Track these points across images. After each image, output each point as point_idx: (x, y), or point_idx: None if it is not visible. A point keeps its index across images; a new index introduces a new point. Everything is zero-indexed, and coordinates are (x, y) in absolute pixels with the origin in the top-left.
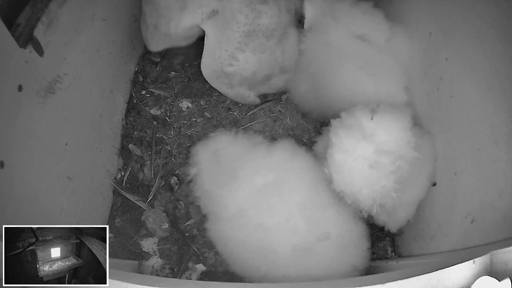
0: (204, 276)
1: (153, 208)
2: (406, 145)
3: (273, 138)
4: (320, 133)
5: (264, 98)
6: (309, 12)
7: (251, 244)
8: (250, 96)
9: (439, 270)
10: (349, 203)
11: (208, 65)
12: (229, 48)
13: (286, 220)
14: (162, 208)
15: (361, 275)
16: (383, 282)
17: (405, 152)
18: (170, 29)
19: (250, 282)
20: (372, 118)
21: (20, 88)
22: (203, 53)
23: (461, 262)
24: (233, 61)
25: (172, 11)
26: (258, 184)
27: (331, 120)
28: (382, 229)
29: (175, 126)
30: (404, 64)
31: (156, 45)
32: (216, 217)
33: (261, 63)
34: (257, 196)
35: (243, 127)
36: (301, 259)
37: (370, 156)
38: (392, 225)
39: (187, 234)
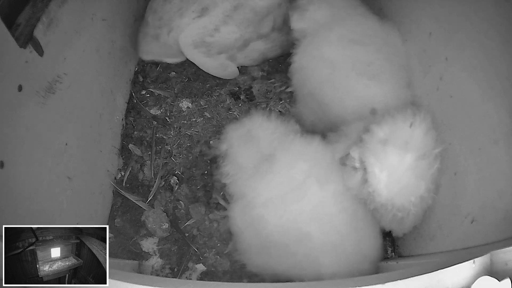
0: (204, 276)
1: (153, 208)
2: (433, 146)
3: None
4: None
5: (243, 69)
6: (295, 22)
7: (281, 238)
8: (229, 67)
9: (439, 270)
10: (379, 204)
11: (189, 36)
12: (214, 21)
13: (322, 212)
14: (162, 208)
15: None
16: (383, 282)
17: (433, 151)
18: (169, 38)
19: (268, 275)
20: (410, 126)
21: (20, 88)
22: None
23: (461, 262)
24: (216, 32)
25: (173, 21)
26: (296, 178)
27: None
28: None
29: (175, 126)
30: (402, 62)
31: (147, 54)
32: (243, 205)
33: (241, 34)
34: (293, 189)
35: None
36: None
37: (414, 164)
38: (399, 231)
39: (187, 234)
